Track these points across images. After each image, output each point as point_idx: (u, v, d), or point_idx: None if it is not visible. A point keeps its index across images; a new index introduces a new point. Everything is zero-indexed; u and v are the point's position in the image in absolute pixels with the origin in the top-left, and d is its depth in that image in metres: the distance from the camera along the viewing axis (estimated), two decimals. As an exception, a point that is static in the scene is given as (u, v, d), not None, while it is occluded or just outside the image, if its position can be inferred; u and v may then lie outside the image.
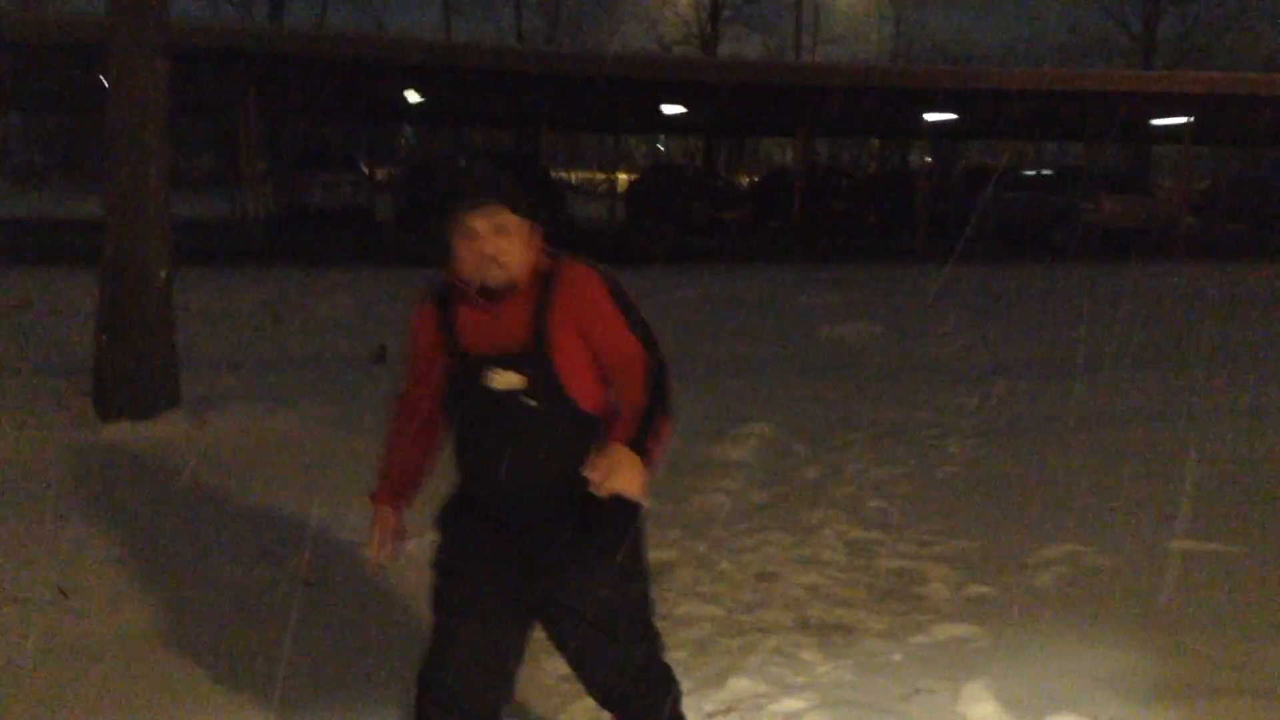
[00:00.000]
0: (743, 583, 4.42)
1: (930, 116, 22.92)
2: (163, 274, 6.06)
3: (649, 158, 51.30)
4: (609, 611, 2.54)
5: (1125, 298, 14.44)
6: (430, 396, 2.66)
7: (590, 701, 2.76)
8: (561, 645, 2.61)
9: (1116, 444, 6.45)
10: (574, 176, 51.55)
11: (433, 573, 2.67)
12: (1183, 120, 23.40)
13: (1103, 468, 5.98)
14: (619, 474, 2.33)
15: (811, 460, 6.18)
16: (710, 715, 3.30)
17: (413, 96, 22.06)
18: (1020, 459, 6.19)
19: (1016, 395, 7.99)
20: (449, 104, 25.22)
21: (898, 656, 3.73)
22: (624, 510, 2.49)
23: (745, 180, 40.93)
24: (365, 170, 31.08)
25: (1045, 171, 27.95)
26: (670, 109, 23.75)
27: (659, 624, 3.75)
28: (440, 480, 2.77)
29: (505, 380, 2.48)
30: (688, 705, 3.28)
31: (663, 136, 46.70)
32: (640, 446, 2.39)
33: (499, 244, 2.47)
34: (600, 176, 51.12)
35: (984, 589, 4.35)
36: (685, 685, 3.45)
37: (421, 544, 4.70)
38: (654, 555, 4.49)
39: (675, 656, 3.69)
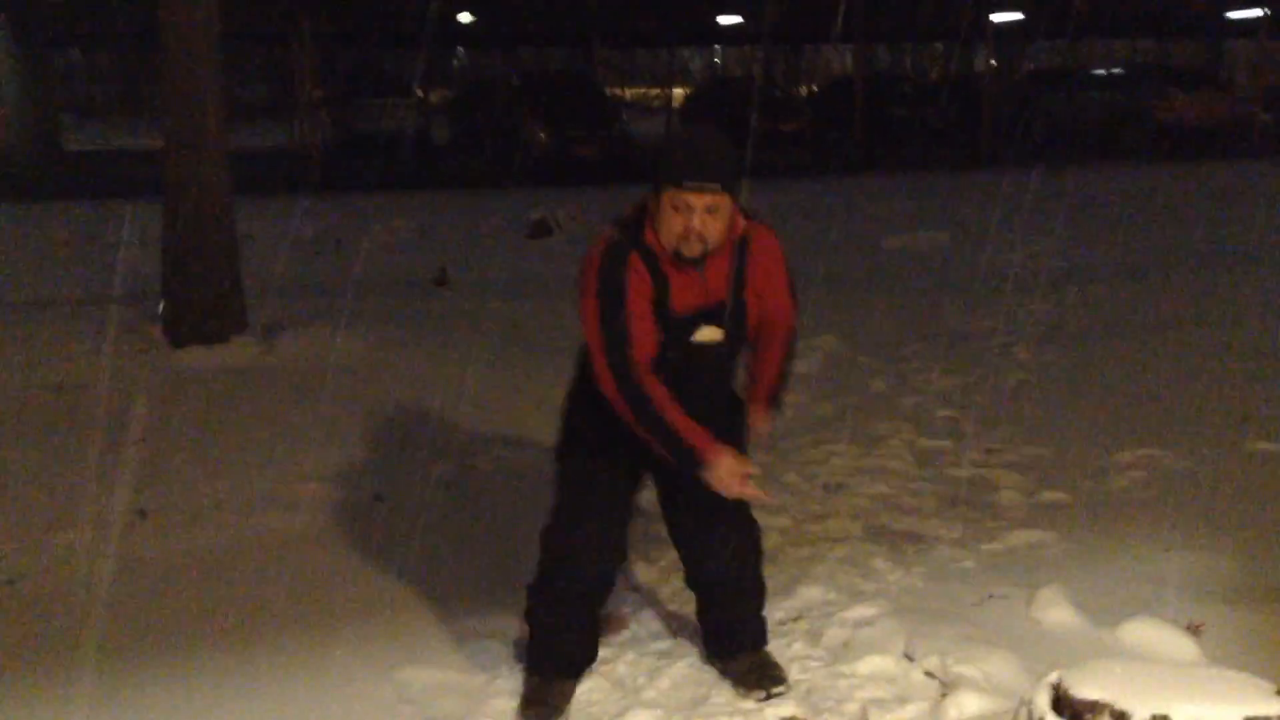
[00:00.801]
0: (810, 493, 4.41)
1: (995, 17, 22.19)
2: (224, 202, 6.09)
3: (705, 71, 50.47)
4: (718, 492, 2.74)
5: (1197, 198, 14.01)
6: (650, 349, 2.70)
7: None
8: (671, 503, 2.96)
9: (1192, 346, 6.29)
10: (628, 93, 50.90)
11: (559, 457, 2.94)
12: (1259, 13, 22.42)
13: (1176, 371, 5.84)
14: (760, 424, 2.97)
15: (878, 372, 6.12)
16: (781, 623, 3.30)
17: (465, 17, 21.85)
18: (1091, 365, 6.06)
19: (1087, 301, 7.81)
20: (500, 24, 24.96)
21: (969, 563, 3.70)
22: (739, 416, 2.95)
23: (804, 91, 40.11)
24: (420, 94, 30.97)
25: (1115, 70, 27.03)
26: (726, 19, 23.27)
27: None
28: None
29: (709, 335, 2.75)
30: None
31: (718, 49, 45.80)
32: (777, 403, 3.03)
33: (708, 222, 2.63)
34: (655, 92, 50.44)
35: (1056, 495, 4.29)
36: (755, 594, 3.48)
37: (497, 456, 4.76)
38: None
39: (744, 566, 3.70)
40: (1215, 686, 2.29)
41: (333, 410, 5.28)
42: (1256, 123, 23.26)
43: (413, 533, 4.04)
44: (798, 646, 3.15)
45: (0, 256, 10.51)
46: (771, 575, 3.62)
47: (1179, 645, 3.03)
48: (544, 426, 5.07)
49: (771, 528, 4.04)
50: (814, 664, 3.05)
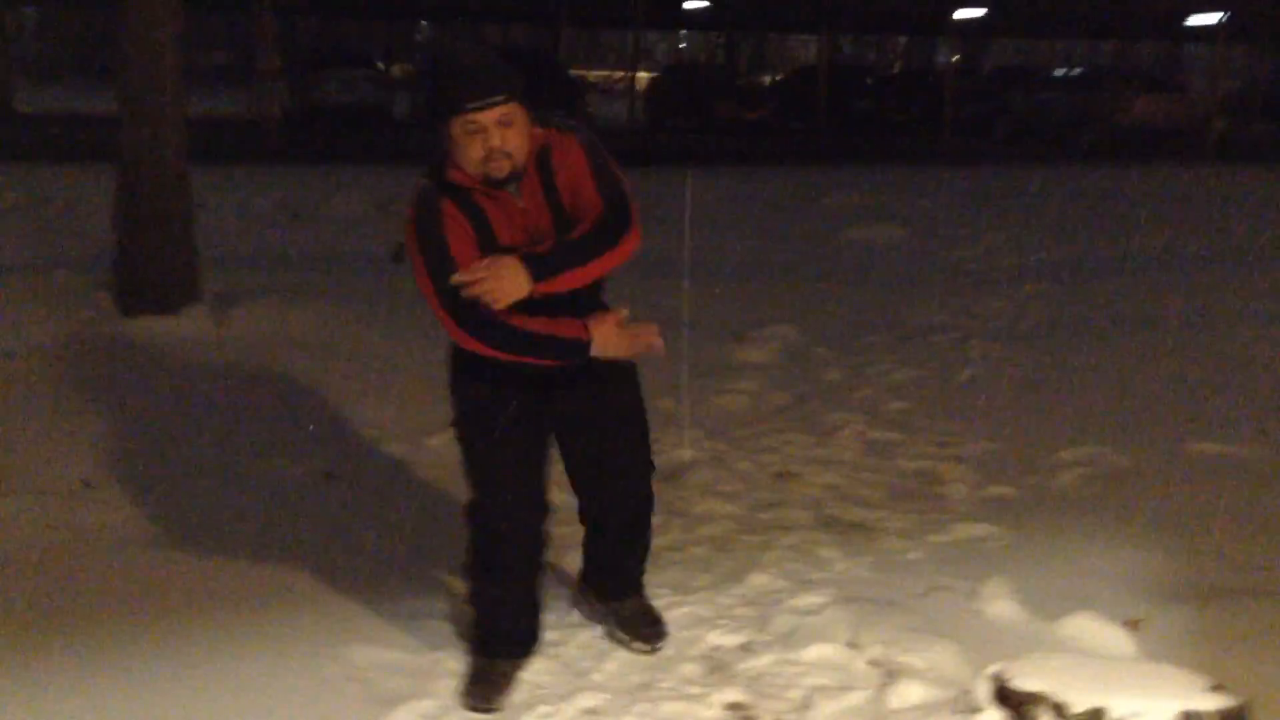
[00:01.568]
0: (762, 482, 4.43)
1: (958, 13, 22.36)
2: (179, 169, 6.01)
3: (670, 55, 50.40)
4: (617, 418, 2.90)
5: (1154, 200, 14.21)
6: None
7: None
8: (570, 452, 2.94)
9: (1140, 347, 6.39)
10: (592, 74, 50.72)
11: (457, 425, 2.89)
12: (1216, 18, 22.76)
13: (1125, 370, 5.93)
14: (490, 273, 2.56)
15: (833, 363, 6.16)
16: (729, 609, 3.32)
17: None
18: (1043, 362, 6.14)
19: (1041, 298, 7.90)
20: (466, -2, 24.77)
21: (916, 554, 3.74)
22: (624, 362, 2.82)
23: (768, 79, 40.18)
24: (382, 67, 30.65)
25: (1075, 71, 27.34)
26: (691, 4, 23.24)
27: (678, 520, 3.80)
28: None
29: None
30: (704, 599, 3.34)
31: (684, 33, 45.76)
32: (534, 268, 2.57)
33: (507, 136, 2.56)
34: (619, 74, 50.29)
35: (1003, 489, 4.35)
36: (704, 580, 3.52)
37: (450, 435, 4.73)
38: (673, 455, 4.55)
39: (694, 553, 3.74)
40: (1152, 681, 2.34)
41: (284, 385, 5.24)
42: (1214, 127, 23.63)
43: (363, 511, 4.02)
44: (746, 633, 3.17)
45: (-53, 218, 10.29)
46: (721, 562, 3.67)
47: (1118, 640, 3.09)
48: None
49: (723, 515, 4.07)
50: (761, 650, 3.08)
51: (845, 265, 9.26)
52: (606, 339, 2.63)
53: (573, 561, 3.34)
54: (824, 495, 4.30)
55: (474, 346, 2.63)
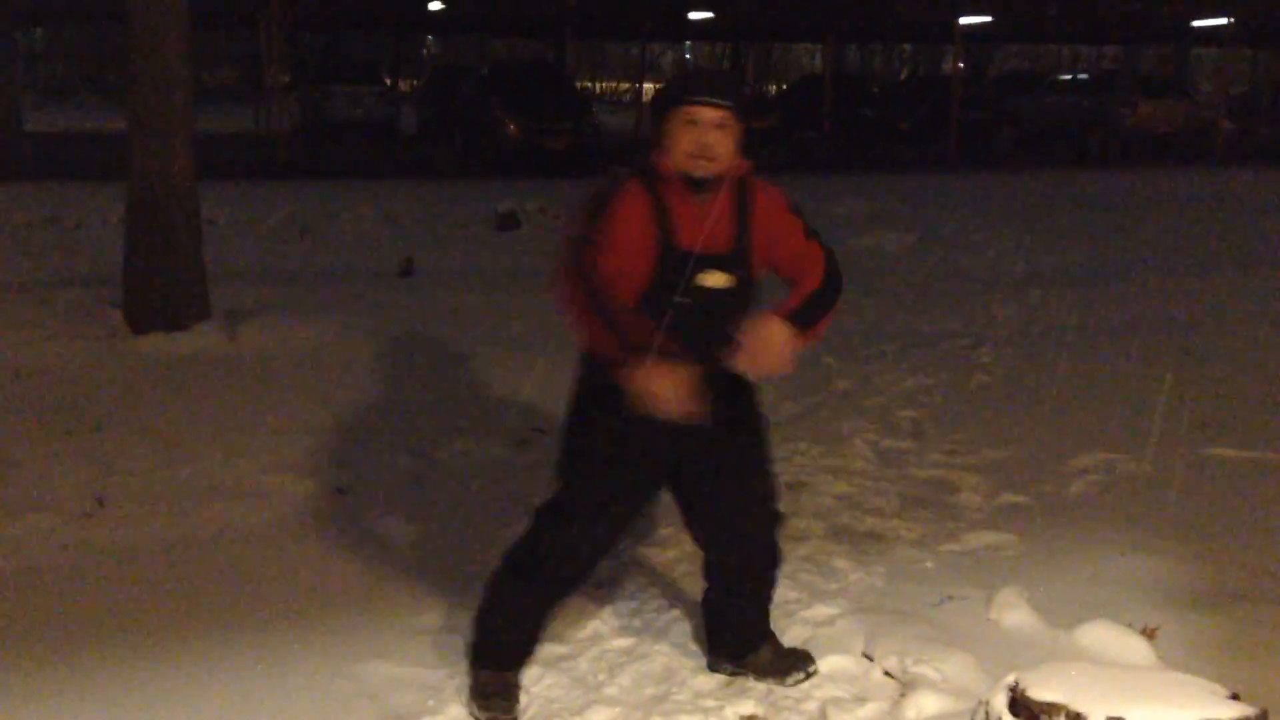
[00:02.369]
0: (773, 491, 4.41)
1: (963, 19, 22.34)
2: (188, 186, 6.03)
3: (675, 66, 50.46)
4: (742, 469, 2.87)
5: (1162, 204, 14.18)
6: (629, 260, 2.65)
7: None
8: (695, 504, 2.91)
9: (1151, 351, 6.37)
10: (598, 86, 50.84)
11: (574, 449, 2.82)
12: (1222, 21, 22.72)
13: (1137, 376, 5.91)
14: (765, 340, 2.65)
15: (843, 371, 6.14)
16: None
17: (435, 5, 21.73)
18: (1054, 368, 6.12)
19: (1051, 304, 7.89)
20: (472, 13, 24.83)
21: (929, 564, 3.72)
22: (753, 390, 2.90)
23: (774, 88, 40.24)
24: (389, 82, 30.75)
25: (1081, 75, 27.32)
26: (696, 14, 23.28)
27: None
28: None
29: (717, 280, 2.68)
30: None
31: (689, 44, 45.83)
32: (799, 321, 2.70)
33: (719, 139, 2.63)
34: (625, 86, 50.37)
35: (1016, 497, 4.33)
36: (717, 592, 3.48)
37: (461, 450, 4.73)
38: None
39: (706, 564, 3.71)
40: (1170, 690, 2.31)
41: (295, 400, 5.24)
42: (1220, 130, 23.58)
43: (374, 526, 4.02)
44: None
45: (-42, 237, 10.34)
46: (734, 573, 3.64)
47: (1135, 648, 3.06)
48: (509, 421, 5.09)
49: (734, 525, 4.05)
50: (775, 663, 3.06)
51: (854, 273, 9.15)
52: (643, 383, 2.57)
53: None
54: (836, 505, 4.28)
55: (561, 292, 2.66)
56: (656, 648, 3.17)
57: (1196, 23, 24.22)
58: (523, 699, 2.89)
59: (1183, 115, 24.03)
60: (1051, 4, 21.46)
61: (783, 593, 3.47)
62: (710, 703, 2.90)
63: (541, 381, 5.51)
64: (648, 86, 33.92)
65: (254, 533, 3.93)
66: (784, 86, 38.21)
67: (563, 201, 11.30)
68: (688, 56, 49.42)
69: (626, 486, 2.82)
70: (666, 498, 3.02)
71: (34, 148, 17.20)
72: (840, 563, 3.73)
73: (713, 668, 3.07)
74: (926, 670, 2.94)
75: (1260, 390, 5.64)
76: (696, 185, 2.67)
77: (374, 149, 21.97)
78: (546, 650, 3.07)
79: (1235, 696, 2.29)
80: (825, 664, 3.04)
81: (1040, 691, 2.29)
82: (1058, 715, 2.24)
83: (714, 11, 22.89)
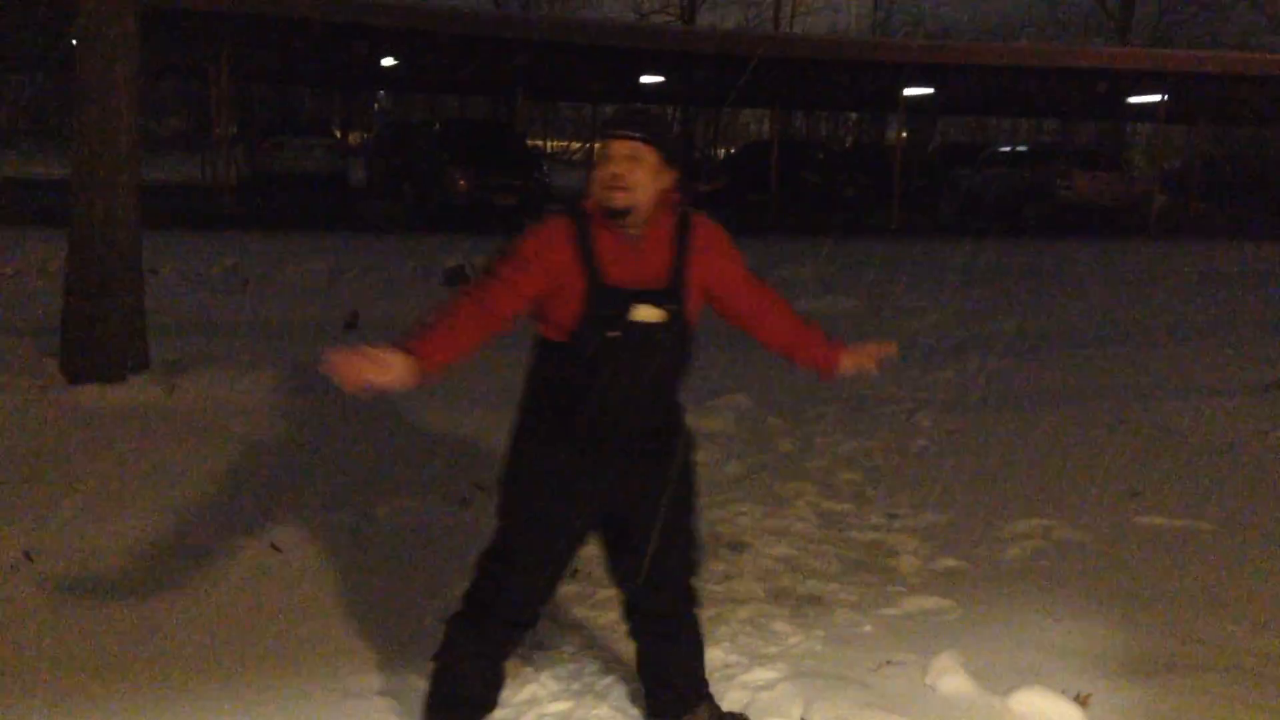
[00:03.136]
0: (715, 553, 4.41)
1: (908, 91, 22.88)
2: (132, 236, 5.97)
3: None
4: (669, 511, 2.85)
5: (1097, 275, 14.53)
6: (512, 306, 2.72)
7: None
8: (614, 539, 2.92)
9: (1087, 419, 6.51)
10: (549, 144, 51.22)
11: (511, 480, 2.85)
12: (1157, 98, 23.48)
13: (1072, 443, 6.02)
14: (875, 355, 3.12)
15: (786, 432, 6.19)
16: (681, 685, 3.28)
17: (387, 61, 21.83)
18: (992, 434, 6.22)
19: (989, 370, 8.02)
20: (424, 69, 24.96)
21: (868, 628, 3.74)
22: (685, 430, 2.93)
23: (722, 152, 40.78)
24: (338, 135, 30.76)
25: (1020, 148, 28.01)
26: (648, 78, 23.60)
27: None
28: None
29: (650, 314, 2.70)
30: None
31: (641, 106, 46.40)
32: (834, 339, 3.02)
33: (630, 170, 2.69)
34: (576, 145, 50.80)
35: (954, 562, 4.37)
36: (656, 655, 3.47)
37: (400, 506, 4.68)
38: (626, 525, 4.51)
39: (647, 626, 3.69)
40: (1101, 758, 2.34)
41: (232, 454, 5.18)
42: (1154, 204, 24.24)
43: (308, 585, 3.96)
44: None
45: (-111, 281, 10.12)
46: (674, 636, 3.63)
47: (1069, 715, 3.09)
48: (450, 478, 5.05)
49: (675, 587, 4.04)
50: (713, 727, 3.04)
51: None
52: (338, 367, 2.60)
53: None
54: (777, 567, 4.29)
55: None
56: (596, 711, 3.15)
57: (1132, 99, 24.99)
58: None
59: (1118, 188, 24.67)
60: (991, 78, 22.04)
61: (722, 656, 3.47)
62: (648, 768, 2.87)
63: (484, 438, 5.48)
64: (599, 146, 34.24)
65: (186, 590, 3.85)
66: (732, 151, 38.75)
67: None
68: (638, 118, 49.91)
69: (559, 519, 2.81)
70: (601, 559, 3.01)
71: (-27, 193, 16.95)
72: (780, 625, 3.73)
73: None
74: (864, 736, 2.94)
75: (1190, 460, 5.77)
76: (616, 216, 2.70)
77: (322, 202, 21.90)
78: (483, 713, 3.02)
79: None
80: (764, 729, 3.03)
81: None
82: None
83: (664, 76, 23.23)
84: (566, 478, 2.77)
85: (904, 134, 26.84)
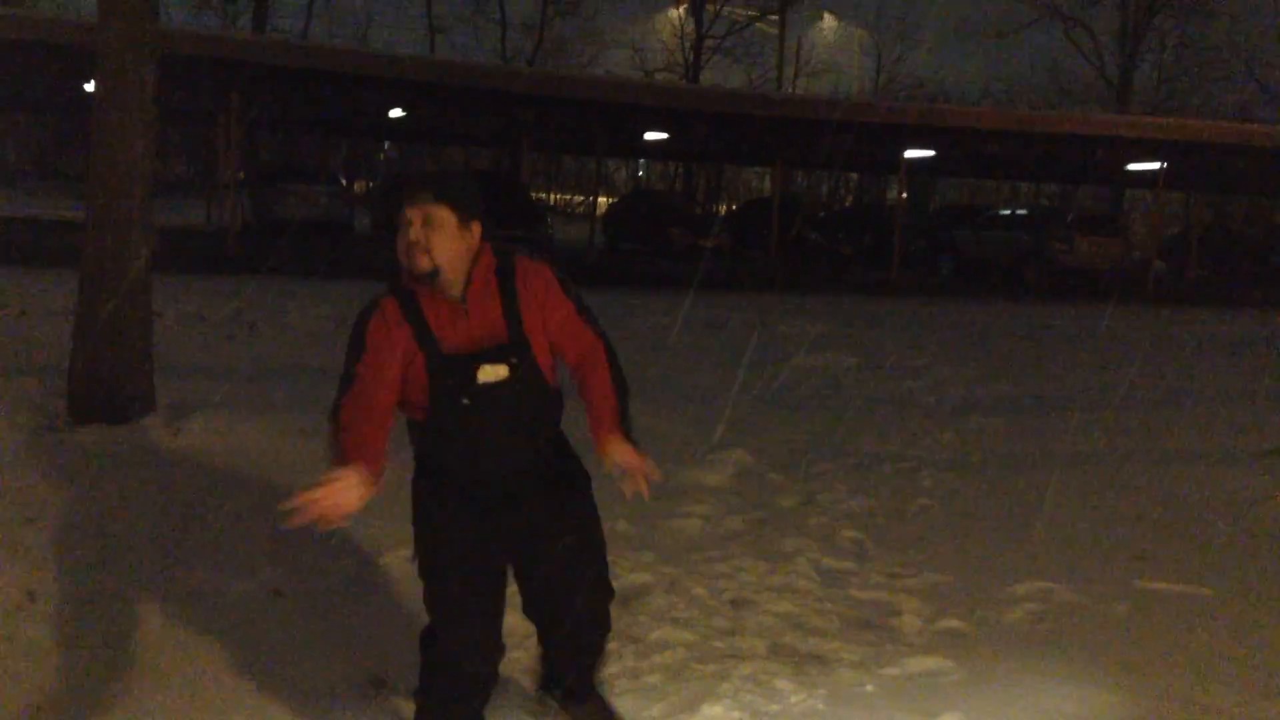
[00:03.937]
0: (716, 609, 4.42)
1: (909, 153, 23.14)
2: (143, 281, 6.02)
3: (629, 182, 51.46)
4: (575, 552, 2.94)
5: (1095, 338, 14.60)
6: (388, 391, 2.76)
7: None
8: (529, 585, 2.99)
9: (1089, 483, 6.52)
10: (553, 197, 51.62)
11: (418, 552, 2.94)
12: (1155, 165, 23.73)
13: (1072, 505, 6.04)
14: (634, 467, 2.83)
15: (786, 488, 6.20)
16: (683, 741, 3.29)
17: (395, 112, 22.07)
18: (992, 494, 6.23)
19: (989, 432, 8.05)
20: (431, 120, 25.24)
21: (870, 688, 3.74)
22: (579, 470, 2.99)
23: (723, 208, 41.10)
24: (343, 182, 31.02)
25: (1020, 210, 28.27)
26: (651, 135, 23.86)
27: (632, 647, 3.78)
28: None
29: (494, 373, 2.74)
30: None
31: (643, 161, 46.85)
32: (628, 434, 2.87)
33: (428, 235, 2.70)
34: (579, 198, 51.19)
35: (956, 623, 4.36)
36: (657, 709, 3.48)
37: (403, 556, 4.68)
38: (628, 579, 4.53)
39: (648, 681, 3.70)
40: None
41: (235, 498, 5.18)
42: (1152, 269, 24.42)
43: (313, 630, 3.95)
44: (699, 765, 3.14)
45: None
46: (675, 691, 3.64)
47: (1071, 779, 3.09)
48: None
49: (677, 642, 4.04)
50: (715, 784, 3.04)
51: (797, 391, 9.38)
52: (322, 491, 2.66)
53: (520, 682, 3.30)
54: (779, 624, 4.29)
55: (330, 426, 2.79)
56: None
57: (1131, 166, 25.26)
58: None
59: (1116, 253, 24.88)
60: (992, 143, 22.28)
61: (724, 713, 3.47)
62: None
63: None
64: (601, 199, 34.55)
65: (186, 633, 3.85)
66: (733, 207, 39.06)
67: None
68: (640, 174, 50.48)
69: (466, 561, 2.87)
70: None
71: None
72: (782, 683, 3.73)
73: (538, 703, 3.30)
74: (867, 795, 2.93)
75: (1189, 525, 5.78)
76: (425, 281, 2.72)
77: (327, 248, 22.02)
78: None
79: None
80: (766, 786, 3.02)
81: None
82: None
83: (668, 133, 23.48)
84: (462, 525, 2.85)
85: (904, 194, 27.08)
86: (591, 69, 44.52)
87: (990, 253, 25.67)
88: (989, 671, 3.89)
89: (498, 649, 2.98)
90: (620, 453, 2.82)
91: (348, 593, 4.34)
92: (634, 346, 2.68)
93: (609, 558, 3.14)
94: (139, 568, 4.34)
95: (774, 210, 24.11)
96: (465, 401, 2.72)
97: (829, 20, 55.48)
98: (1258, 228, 36.65)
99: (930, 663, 3.96)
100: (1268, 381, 11.19)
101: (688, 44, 45.24)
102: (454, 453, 2.82)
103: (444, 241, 2.70)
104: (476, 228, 2.76)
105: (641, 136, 24.16)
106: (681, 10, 46.13)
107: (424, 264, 2.69)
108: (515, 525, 2.88)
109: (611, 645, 3.80)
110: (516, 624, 3.34)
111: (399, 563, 4.65)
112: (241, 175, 24.42)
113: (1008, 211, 27.98)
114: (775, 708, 3.54)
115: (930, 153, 24.30)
